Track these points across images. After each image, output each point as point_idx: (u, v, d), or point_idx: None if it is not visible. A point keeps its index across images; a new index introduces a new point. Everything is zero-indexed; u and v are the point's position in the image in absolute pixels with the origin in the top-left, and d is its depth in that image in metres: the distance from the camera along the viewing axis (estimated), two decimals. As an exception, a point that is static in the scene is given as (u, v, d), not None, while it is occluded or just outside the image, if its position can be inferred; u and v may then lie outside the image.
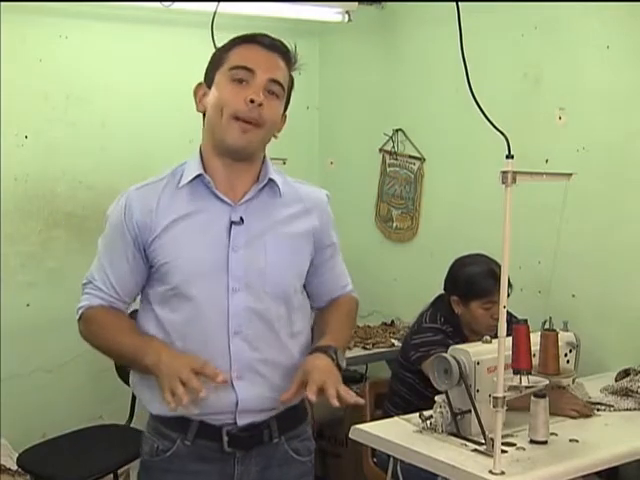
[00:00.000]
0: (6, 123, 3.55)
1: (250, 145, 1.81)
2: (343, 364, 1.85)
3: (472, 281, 2.93)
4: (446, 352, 2.82)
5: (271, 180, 1.87)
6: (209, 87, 1.85)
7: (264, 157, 1.90)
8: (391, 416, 2.71)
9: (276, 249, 1.86)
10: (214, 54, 1.88)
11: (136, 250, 1.84)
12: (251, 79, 1.79)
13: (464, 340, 2.92)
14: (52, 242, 3.72)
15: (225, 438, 1.84)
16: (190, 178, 1.83)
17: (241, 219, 1.83)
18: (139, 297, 1.94)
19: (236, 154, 1.83)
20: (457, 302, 2.96)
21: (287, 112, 1.91)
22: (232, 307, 1.82)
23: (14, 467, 3.17)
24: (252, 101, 1.76)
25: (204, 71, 1.88)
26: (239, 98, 1.77)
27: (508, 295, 2.87)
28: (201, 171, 1.84)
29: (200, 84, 1.88)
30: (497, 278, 2.80)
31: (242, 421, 1.83)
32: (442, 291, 3.07)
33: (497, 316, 2.83)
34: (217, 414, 1.83)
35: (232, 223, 1.83)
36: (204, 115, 1.87)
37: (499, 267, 2.85)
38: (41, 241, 3.70)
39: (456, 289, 2.97)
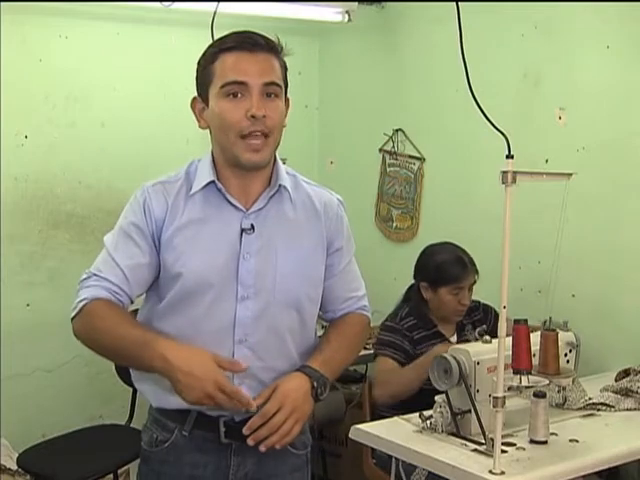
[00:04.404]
0: (6, 123, 3.54)
1: (265, 159, 1.81)
2: (322, 395, 1.84)
3: (441, 268, 3.04)
4: (389, 351, 3.00)
5: (281, 186, 1.86)
6: (205, 102, 1.82)
7: (275, 159, 1.89)
8: (385, 416, 2.72)
9: (287, 256, 1.85)
10: (199, 65, 1.84)
11: (153, 245, 1.82)
12: (246, 91, 1.76)
13: (432, 327, 3.07)
14: (52, 242, 3.72)
15: (222, 429, 1.85)
16: (202, 185, 1.83)
17: (252, 227, 1.82)
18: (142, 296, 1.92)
19: (251, 170, 1.82)
20: (426, 288, 3.07)
21: (288, 95, 1.87)
22: (239, 315, 1.81)
23: (14, 467, 3.17)
24: (253, 116, 1.74)
25: (195, 82, 1.85)
26: (239, 115, 1.75)
27: (475, 282, 3.05)
28: (213, 178, 1.83)
29: (195, 98, 1.85)
30: (464, 264, 3.03)
31: (239, 417, 1.84)
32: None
33: (464, 301, 3.04)
34: (216, 410, 1.83)
35: (243, 231, 1.82)
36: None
37: (466, 254, 3.07)
38: (41, 241, 3.70)
39: (425, 276, 3.09)
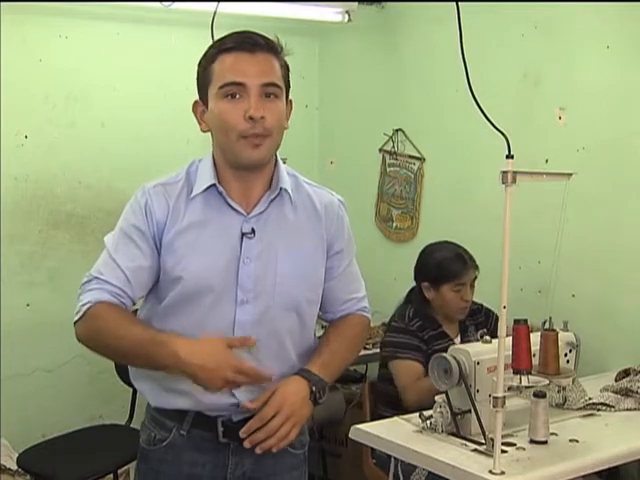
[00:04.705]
0: (6, 123, 3.55)
1: (265, 157, 1.80)
2: (321, 399, 1.84)
3: (441, 265, 3.06)
4: (411, 354, 2.98)
5: (282, 189, 1.85)
6: (205, 103, 1.82)
7: (275, 160, 1.88)
8: (385, 416, 2.71)
9: (287, 260, 1.84)
10: (199, 66, 1.83)
11: (155, 247, 1.81)
12: (244, 92, 1.75)
13: (437, 327, 3.07)
14: (52, 242, 3.72)
15: (220, 429, 1.85)
16: (203, 188, 1.82)
17: (252, 231, 1.82)
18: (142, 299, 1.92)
19: (253, 168, 1.81)
20: (428, 287, 3.07)
21: (290, 97, 1.86)
22: (238, 319, 1.81)
23: (14, 467, 3.17)
24: (251, 118, 1.73)
25: (196, 84, 1.85)
26: (238, 116, 1.74)
27: (475, 277, 3.07)
28: (214, 181, 1.82)
29: (196, 101, 1.85)
30: (464, 260, 3.05)
31: (237, 418, 1.85)
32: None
33: (466, 297, 3.04)
34: (216, 410, 1.84)
35: (243, 235, 1.81)
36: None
37: (466, 252, 3.09)
38: (41, 241, 3.70)
39: (426, 275, 3.09)
